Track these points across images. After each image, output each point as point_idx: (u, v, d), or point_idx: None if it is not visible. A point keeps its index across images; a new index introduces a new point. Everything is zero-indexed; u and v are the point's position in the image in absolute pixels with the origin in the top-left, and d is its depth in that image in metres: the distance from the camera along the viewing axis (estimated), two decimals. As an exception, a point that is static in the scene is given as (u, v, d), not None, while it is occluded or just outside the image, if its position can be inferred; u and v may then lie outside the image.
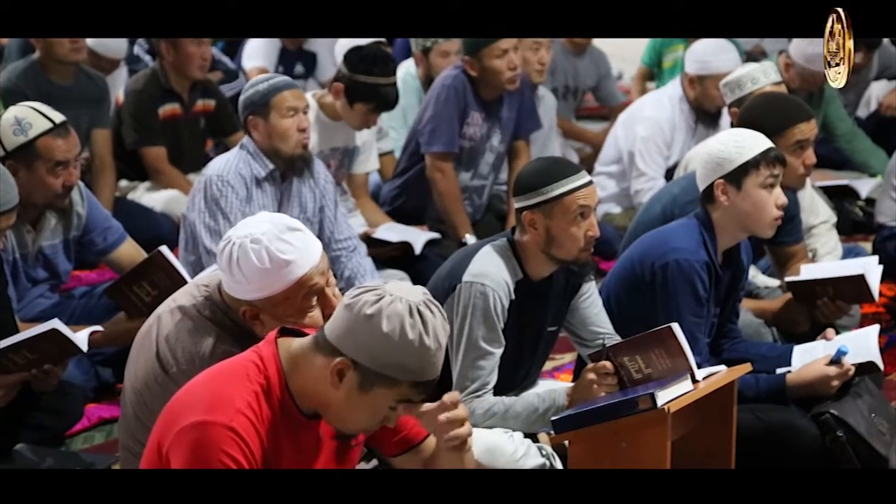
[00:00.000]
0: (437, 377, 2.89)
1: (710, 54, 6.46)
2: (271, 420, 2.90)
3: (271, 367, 2.92)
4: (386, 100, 5.71)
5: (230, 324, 3.33)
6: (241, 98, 5.01)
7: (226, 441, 2.83)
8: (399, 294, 2.86)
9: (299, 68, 8.08)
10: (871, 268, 4.67)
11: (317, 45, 8.04)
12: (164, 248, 4.63)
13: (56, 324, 4.12)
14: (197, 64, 6.45)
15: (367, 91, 5.66)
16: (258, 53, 8.04)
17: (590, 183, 3.92)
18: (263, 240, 3.23)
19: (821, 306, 4.65)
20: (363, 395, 2.86)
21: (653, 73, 8.37)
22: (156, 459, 2.92)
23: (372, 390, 2.86)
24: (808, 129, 4.59)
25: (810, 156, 4.61)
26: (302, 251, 3.24)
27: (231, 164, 4.99)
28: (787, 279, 4.82)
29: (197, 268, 4.88)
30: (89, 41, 6.68)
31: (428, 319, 2.85)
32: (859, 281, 4.60)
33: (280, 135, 4.97)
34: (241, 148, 5.03)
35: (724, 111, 6.05)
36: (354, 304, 2.86)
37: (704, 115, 6.59)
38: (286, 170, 5.05)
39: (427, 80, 6.63)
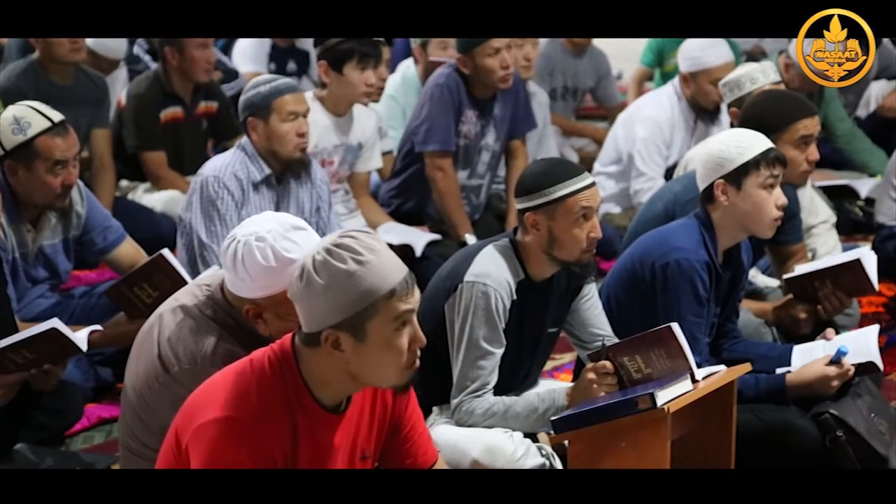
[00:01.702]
0: (404, 274, 2.89)
1: (700, 49, 6.48)
2: (290, 416, 2.91)
3: (288, 366, 2.93)
4: (365, 50, 5.70)
5: (232, 323, 3.33)
6: (242, 99, 5.01)
7: (243, 438, 2.84)
8: (309, 251, 2.91)
9: (292, 66, 8.07)
10: (866, 256, 4.66)
11: (309, 43, 8.01)
12: (165, 251, 4.63)
13: (55, 323, 4.12)
14: (202, 68, 6.44)
15: (344, 49, 5.68)
16: (248, 54, 8.02)
17: (592, 184, 3.92)
18: (269, 238, 3.25)
19: (822, 298, 4.64)
20: (367, 343, 2.88)
21: (651, 75, 8.37)
22: (174, 453, 2.93)
23: (367, 333, 2.87)
24: (811, 125, 4.59)
25: (813, 152, 4.61)
26: (307, 250, 3.25)
27: (227, 166, 4.98)
28: (785, 276, 4.81)
29: (192, 268, 4.88)
30: (89, 41, 6.67)
31: (346, 245, 2.87)
32: (856, 267, 4.58)
33: (279, 138, 4.97)
34: (239, 149, 5.03)
35: (724, 107, 6.05)
36: (291, 289, 2.93)
37: (703, 113, 6.59)
38: (283, 172, 5.05)
39: (426, 77, 6.62)
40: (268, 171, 5.00)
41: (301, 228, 3.30)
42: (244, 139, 5.03)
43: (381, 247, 2.90)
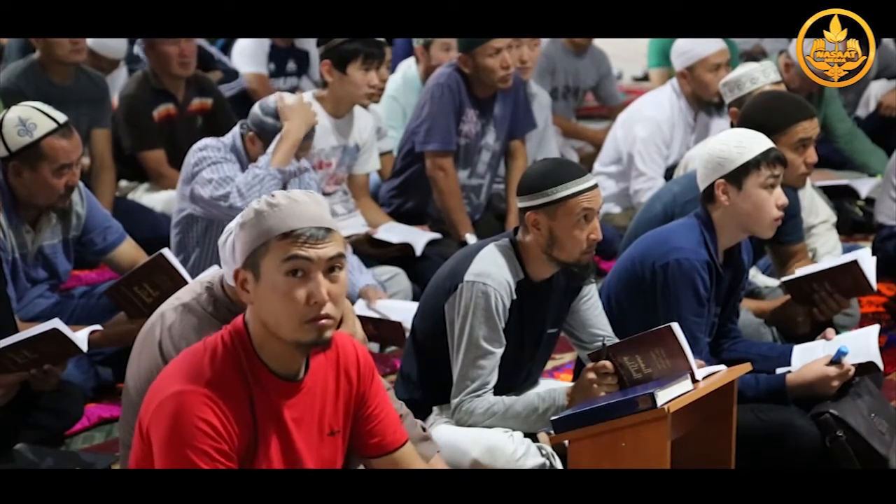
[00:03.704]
0: (316, 224, 2.92)
1: (690, 43, 6.51)
2: (245, 385, 2.94)
3: (240, 336, 2.98)
4: (370, 50, 5.71)
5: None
6: (263, 117, 4.96)
7: (201, 407, 2.87)
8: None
9: (291, 66, 8.07)
10: (863, 257, 4.65)
11: (309, 43, 8.01)
12: (166, 251, 4.63)
13: (57, 324, 4.12)
14: (176, 62, 6.44)
15: (349, 49, 5.69)
16: (247, 54, 8.02)
17: (595, 186, 3.92)
18: None
19: (818, 301, 4.64)
20: (261, 283, 2.93)
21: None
22: (139, 443, 2.96)
23: (261, 272, 2.93)
24: (810, 128, 4.59)
25: (812, 154, 4.61)
26: None
27: (216, 142, 4.99)
28: (783, 279, 4.81)
29: (188, 265, 4.89)
30: (89, 41, 6.68)
31: (274, 194, 2.97)
32: (854, 269, 4.57)
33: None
34: (230, 147, 4.98)
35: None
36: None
37: (706, 107, 6.60)
38: None
39: (427, 77, 6.62)
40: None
41: None
42: (237, 137, 5.00)
43: (309, 200, 2.97)
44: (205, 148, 4.97)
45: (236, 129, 5.03)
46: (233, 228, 3.34)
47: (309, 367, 3.03)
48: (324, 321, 2.93)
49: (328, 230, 2.94)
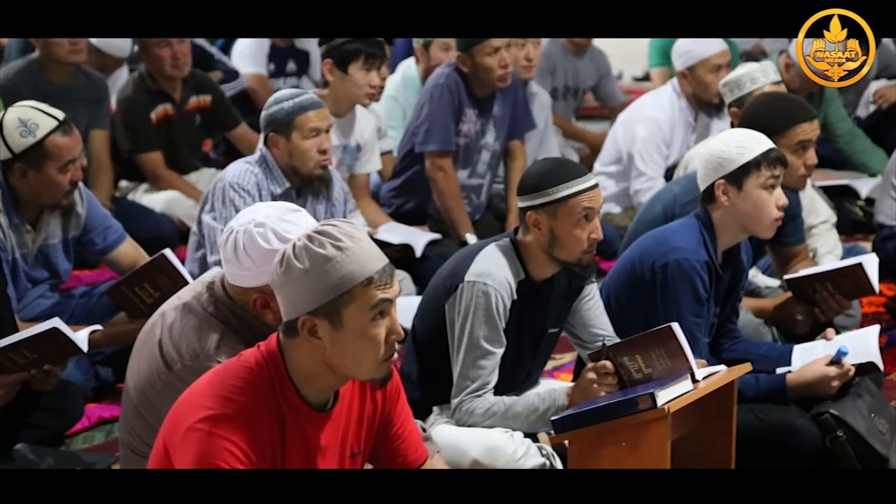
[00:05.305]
0: (383, 263, 2.89)
1: (692, 43, 6.51)
2: (278, 413, 2.91)
3: (275, 364, 2.93)
4: (372, 51, 5.73)
5: (235, 321, 3.34)
6: (265, 114, 4.95)
7: (233, 437, 2.83)
8: (293, 239, 2.92)
9: (291, 66, 8.07)
10: (868, 260, 4.65)
11: (309, 43, 8.02)
12: (167, 252, 4.63)
13: (56, 323, 4.12)
14: (168, 64, 6.46)
15: (350, 49, 5.70)
16: (247, 54, 8.03)
17: (595, 186, 3.92)
18: (267, 222, 3.27)
19: (820, 301, 4.64)
20: (343, 331, 2.87)
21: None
22: (163, 460, 2.92)
23: (343, 320, 2.86)
24: (810, 129, 4.59)
25: (812, 156, 4.61)
26: (306, 229, 3.25)
27: (249, 174, 4.95)
28: (786, 276, 4.81)
29: (203, 265, 4.88)
30: (94, 39, 6.69)
31: (327, 232, 2.88)
32: (857, 272, 4.58)
33: (300, 155, 4.94)
34: (259, 163, 4.98)
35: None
36: (271, 276, 2.93)
37: (706, 108, 6.59)
38: (302, 187, 5.03)
39: (427, 77, 6.63)
40: (287, 185, 4.98)
41: (297, 210, 3.33)
42: (266, 152, 4.99)
43: (361, 235, 2.91)
44: (235, 187, 4.91)
45: (265, 150, 5.00)
46: (237, 229, 3.33)
47: (339, 397, 3.01)
48: (395, 355, 2.94)
49: (390, 263, 2.92)
